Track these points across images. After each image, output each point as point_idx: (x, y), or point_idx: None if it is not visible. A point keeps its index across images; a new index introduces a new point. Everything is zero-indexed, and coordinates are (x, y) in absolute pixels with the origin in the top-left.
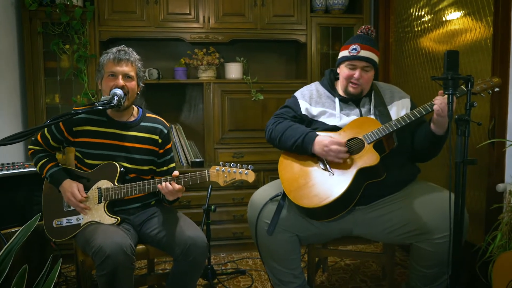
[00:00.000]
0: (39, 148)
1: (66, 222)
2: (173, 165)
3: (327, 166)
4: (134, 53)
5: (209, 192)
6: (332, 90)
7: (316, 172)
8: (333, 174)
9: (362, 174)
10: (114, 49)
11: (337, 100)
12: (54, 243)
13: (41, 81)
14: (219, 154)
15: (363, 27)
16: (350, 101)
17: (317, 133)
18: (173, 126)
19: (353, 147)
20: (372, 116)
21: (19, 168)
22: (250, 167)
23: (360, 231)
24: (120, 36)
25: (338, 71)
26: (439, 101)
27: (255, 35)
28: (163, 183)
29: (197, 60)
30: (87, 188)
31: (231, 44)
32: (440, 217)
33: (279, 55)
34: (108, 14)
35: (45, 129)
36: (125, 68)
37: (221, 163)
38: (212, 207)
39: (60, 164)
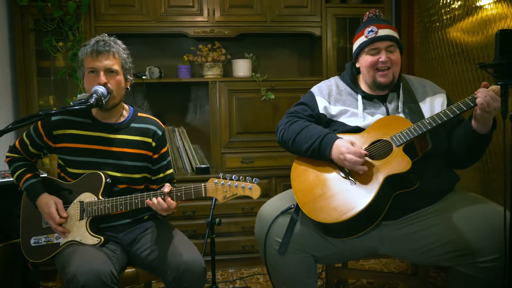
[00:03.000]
0: (17, 155)
1: (45, 241)
2: (170, 171)
3: (349, 173)
4: (119, 42)
5: (213, 203)
6: (354, 86)
7: (336, 181)
8: (355, 183)
9: (390, 182)
10: (92, 41)
11: (359, 97)
12: (32, 265)
13: (33, 82)
14: (226, 159)
15: (367, 12)
16: (375, 98)
17: (338, 135)
18: (176, 129)
19: (379, 151)
20: (401, 114)
21: None
22: (255, 180)
23: (388, 250)
24: (118, 31)
25: (358, 65)
26: (483, 94)
27: (265, 28)
28: (154, 199)
29: (201, 57)
30: (68, 202)
31: (239, 39)
32: (487, 235)
33: (291, 50)
34: (104, 8)
35: (24, 134)
36: (107, 62)
37: (220, 174)
38: (217, 220)
39: (39, 175)
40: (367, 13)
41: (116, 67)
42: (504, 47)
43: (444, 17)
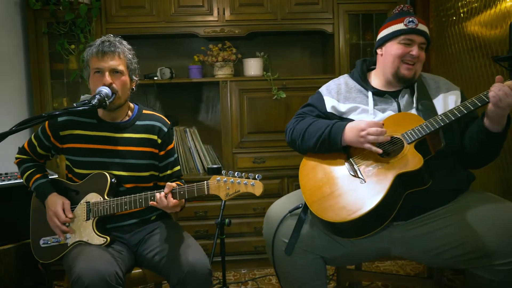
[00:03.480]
0: (26, 157)
1: (53, 241)
2: (177, 168)
3: (358, 171)
4: (124, 42)
5: (223, 204)
6: (364, 83)
7: (345, 179)
8: (365, 181)
9: (401, 181)
10: (98, 41)
11: (370, 94)
12: (42, 266)
13: (47, 84)
14: (238, 159)
15: (401, 6)
16: (386, 94)
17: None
18: (187, 129)
19: (390, 148)
20: (414, 111)
21: (11, 179)
22: (258, 176)
23: (400, 252)
24: (128, 33)
25: (380, 52)
26: (497, 88)
27: (275, 26)
28: (157, 196)
29: (212, 57)
30: (75, 203)
31: (250, 38)
32: (504, 236)
33: (303, 48)
34: (115, 10)
35: (32, 135)
36: (112, 63)
37: (223, 172)
38: (226, 220)
39: (48, 175)
40: (401, 6)
41: (121, 67)
42: None
43: (461, 10)
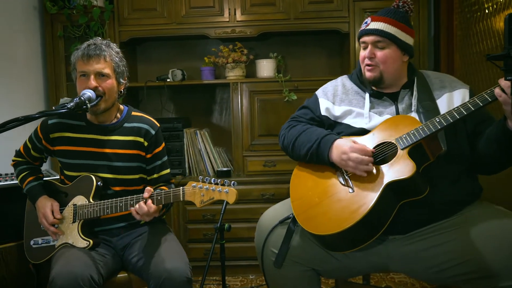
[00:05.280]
0: (21, 159)
1: (42, 242)
2: (165, 171)
3: (349, 179)
4: (112, 45)
5: (223, 208)
6: (363, 84)
7: (334, 188)
8: (353, 191)
9: (393, 190)
10: (85, 44)
11: (367, 95)
12: (33, 266)
13: (63, 86)
14: (248, 162)
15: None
16: (385, 96)
17: (340, 136)
18: (198, 131)
19: (383, 154)
20: (414, 114)
21: (14, 179)
22: (233, 183)
23: (398, 267)
24: (141, 35)
25: None
26: (504, 84)
27: (288, 26)
28: (136, 206)
29: (222, 58)
30: (64, 205)
31: (264, 39)
32: (511, 257)
33: (320, 48)
34: (128, 13)
35: (27, 138)
36: (97, 66)
37: (200, 177)
38: (226, 225)
39: (42, 177)
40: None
41: (107, 70)
42: None
43: (485, 6)
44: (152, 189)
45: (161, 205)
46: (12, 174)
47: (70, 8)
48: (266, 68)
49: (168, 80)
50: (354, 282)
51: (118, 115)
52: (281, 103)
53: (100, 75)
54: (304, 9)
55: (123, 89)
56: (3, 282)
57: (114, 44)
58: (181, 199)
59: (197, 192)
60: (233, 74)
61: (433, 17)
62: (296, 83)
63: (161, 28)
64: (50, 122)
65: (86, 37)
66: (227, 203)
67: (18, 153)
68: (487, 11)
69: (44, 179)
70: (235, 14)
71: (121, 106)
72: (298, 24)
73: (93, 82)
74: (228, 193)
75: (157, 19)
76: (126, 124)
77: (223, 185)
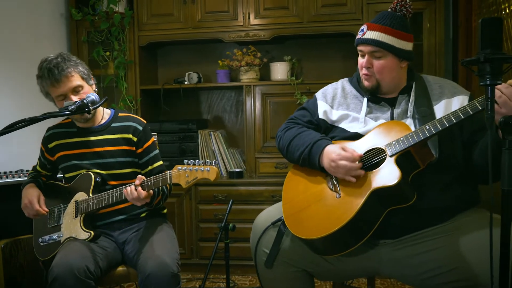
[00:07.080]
0: (34, 173)
1: (49, 239)
2: (158, 163)
3: (337, 184)
4: (66, 57)
5: (229, 207)
6: (361, 88)
7: (322, 193)
8: (340, 196)
9: (378, 197)
10: (45, 71)
11: (365, 100)
12: (43, 263)
13: None
14: (260, 164)
15: (395, 1)
16: (382, 101)
17: (332, 141)
18: (211, 133)
19: (373, 160)
20: (409, 120)
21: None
22: (214, 162)
23: (389, 272)
24: (158, 40)
25: None
26: (504, 86)
27: (301, 29)
28: (128, 188)
29: (236, 61)
30: (67, 202)
31: (279, 42)
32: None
33: (335, 51)
34: (146, 18)
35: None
36: (70, 84)
37: (185, 161)
38: (230, 225)
39: (39, 180)
40: (395, 1)
41: (79, 82)
42: (486, 39)
43: (503, 6)
44: (143, 177)
45: (151, 191)
46: (27, 171)
47: (94, 14)
48: (280, 71)
49: (185, 82)
50: (352, 286)
51: (106, 116)
52: (293, 106)
53: (74, 90)
54: (317, 12)
55: (95, 88)
56: (20, 269)
57: (65, 53)
58: (169, 182)
59: (182, 173)
60: (247, 77)
61: (452, 21)
62: (308, 86)
63: (178, 32)
64: (46, 134)
65: (108, 41)
66: (232, 203)
67: (33, 168)
68: (503, 13)
69: (49, 182)
70: (248, 18)
71: (107, 110)
72: (312, 27)
73: (74, 99)
74: (210, 171)
75: (174, 24)
76: (113, 124)
77: (204, 164)
